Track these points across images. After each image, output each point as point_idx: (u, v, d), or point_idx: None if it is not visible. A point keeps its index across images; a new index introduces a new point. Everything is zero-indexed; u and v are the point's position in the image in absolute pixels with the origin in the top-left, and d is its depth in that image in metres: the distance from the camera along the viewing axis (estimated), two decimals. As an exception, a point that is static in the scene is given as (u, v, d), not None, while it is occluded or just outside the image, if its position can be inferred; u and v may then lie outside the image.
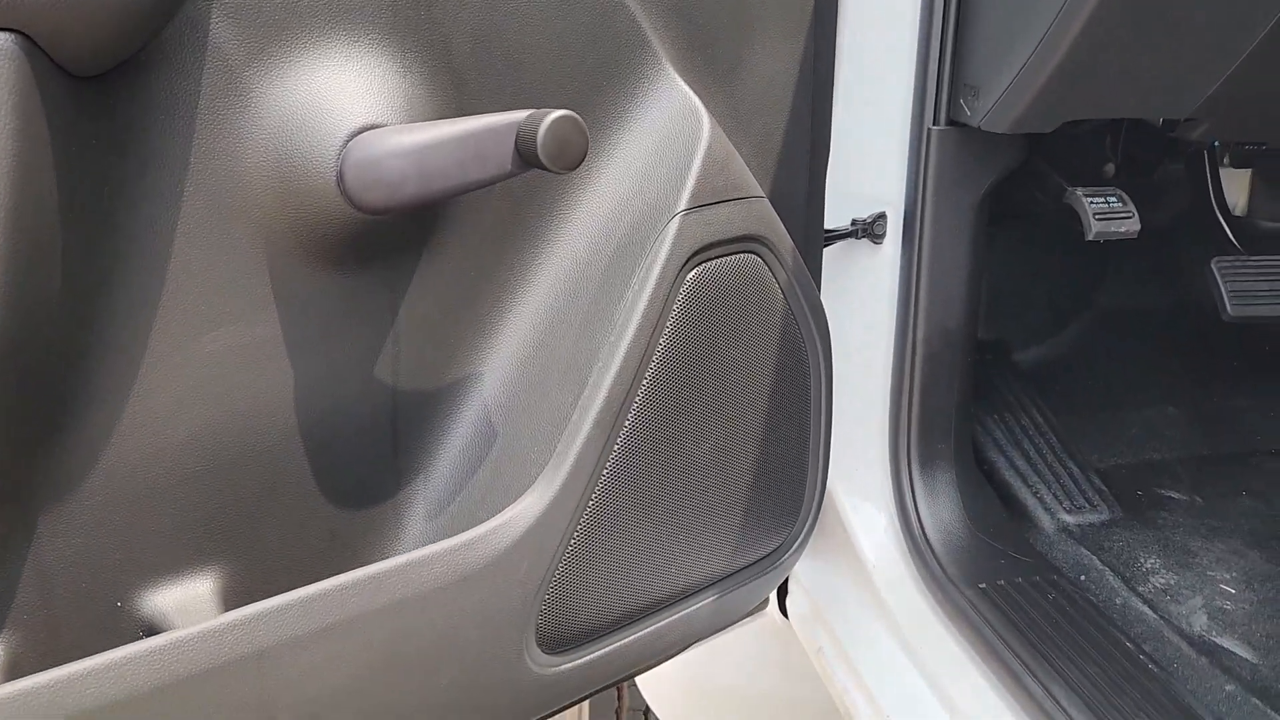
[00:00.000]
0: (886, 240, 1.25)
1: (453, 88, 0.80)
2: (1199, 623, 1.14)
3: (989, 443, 1.40)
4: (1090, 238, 1.18)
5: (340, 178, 0.75)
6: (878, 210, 1.24)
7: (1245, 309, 1.41)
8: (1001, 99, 1.08)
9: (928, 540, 1.23)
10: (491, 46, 0.81)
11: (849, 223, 1.24)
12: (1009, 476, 1.36)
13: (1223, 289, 1.41)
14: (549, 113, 0.71)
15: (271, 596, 0.69)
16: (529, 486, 0.83)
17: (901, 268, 1.24)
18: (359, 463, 0.82)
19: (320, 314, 0.77)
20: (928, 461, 1.25)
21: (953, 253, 1.22)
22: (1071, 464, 1.38)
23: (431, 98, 0.79)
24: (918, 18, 1.13)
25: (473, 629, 0.80)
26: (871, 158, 1.21)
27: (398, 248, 0.80)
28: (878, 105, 1.18)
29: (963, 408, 1.26)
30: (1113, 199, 1.17)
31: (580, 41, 0.85)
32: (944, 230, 1.20)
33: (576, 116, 0.72)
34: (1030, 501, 1.33)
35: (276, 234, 0.74)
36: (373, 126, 0.76)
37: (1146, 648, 1.09)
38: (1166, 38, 1.00)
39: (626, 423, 0.87)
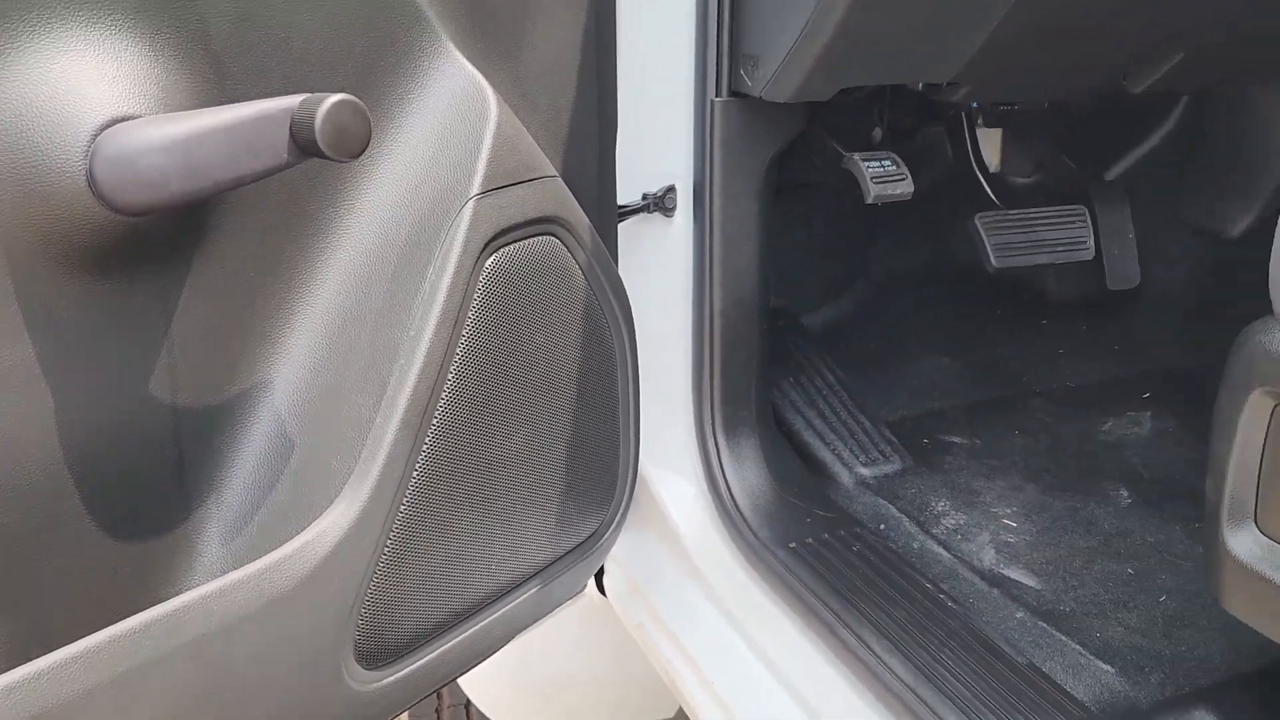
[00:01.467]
0: (678, 213, 1.25)
1: (213, 73, 0.73)
2: (988, 557, 1.22)
3: (786, 404, 1.45)
4: (870, 200, 1.22)
5: (91, 177, 0.67)
6: (667, 184, 1.25)
7: (1007, 260, 1.51)
8: (780, 69, 1.10)
9: (737, 506, 1.25)
10: (255, 26, 0.75)
11: (640, 197, 1.24)
12: (808, 436, 1.41)
13: (986, 243, 1.51)
14: (326, 97, 0.66)
15: (50, 652, 0.62)
16: (334, 498, 0.78)
17: (694, 240, 1.25)
18: (140, 490, 0.74)
19: (82, 330, 0.69)
20: (732, 429, 1.28)
21: (742, 222, 1.24)
22: (864, 419, 1.44)
23: (190, 85, 0.72)
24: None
25: (286, 656, 0.75)
26: (658, 131, 1.21)
27: (166, 251, 0.73)
28: (661, 78, 1.18)
29: (761, 373, 1.29)
30: (887, 162, 1.23)
31: (354, 19, 0.80)
32: (733, 200, 1.22)
33: (357, 100, 0.67)
34: (829, 458, 1.38)
35: (20, 244, 0.65)
36: (124, 119, 0.68)
37: (945, 586, 1.15)
38: (930, 5, 1.05)
39: (434, 421, 0.83)
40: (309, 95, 0.67)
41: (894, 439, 1.42)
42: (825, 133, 1.32)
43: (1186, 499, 1.30)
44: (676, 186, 1.25)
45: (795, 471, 1.31)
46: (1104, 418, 1.51)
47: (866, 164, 1.23)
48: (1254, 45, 1.30)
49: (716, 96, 1.18)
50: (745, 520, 1.24)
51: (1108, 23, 1.15)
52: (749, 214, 1.24)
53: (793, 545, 1.20)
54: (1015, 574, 1.18)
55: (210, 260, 0.76)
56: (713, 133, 1.20)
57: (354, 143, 0.68)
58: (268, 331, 0.81)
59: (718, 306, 1.25)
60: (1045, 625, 1.09)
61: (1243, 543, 0.82)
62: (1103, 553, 1.20)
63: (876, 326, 1.67)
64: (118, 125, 0.67)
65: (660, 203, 1.25)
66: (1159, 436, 1.47)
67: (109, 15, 0.68)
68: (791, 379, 1.48)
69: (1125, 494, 1.32)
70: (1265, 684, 1.02)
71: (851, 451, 1.39)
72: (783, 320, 1.56)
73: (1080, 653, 1.04)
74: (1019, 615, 1.11)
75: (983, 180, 1.55)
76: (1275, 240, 0.82)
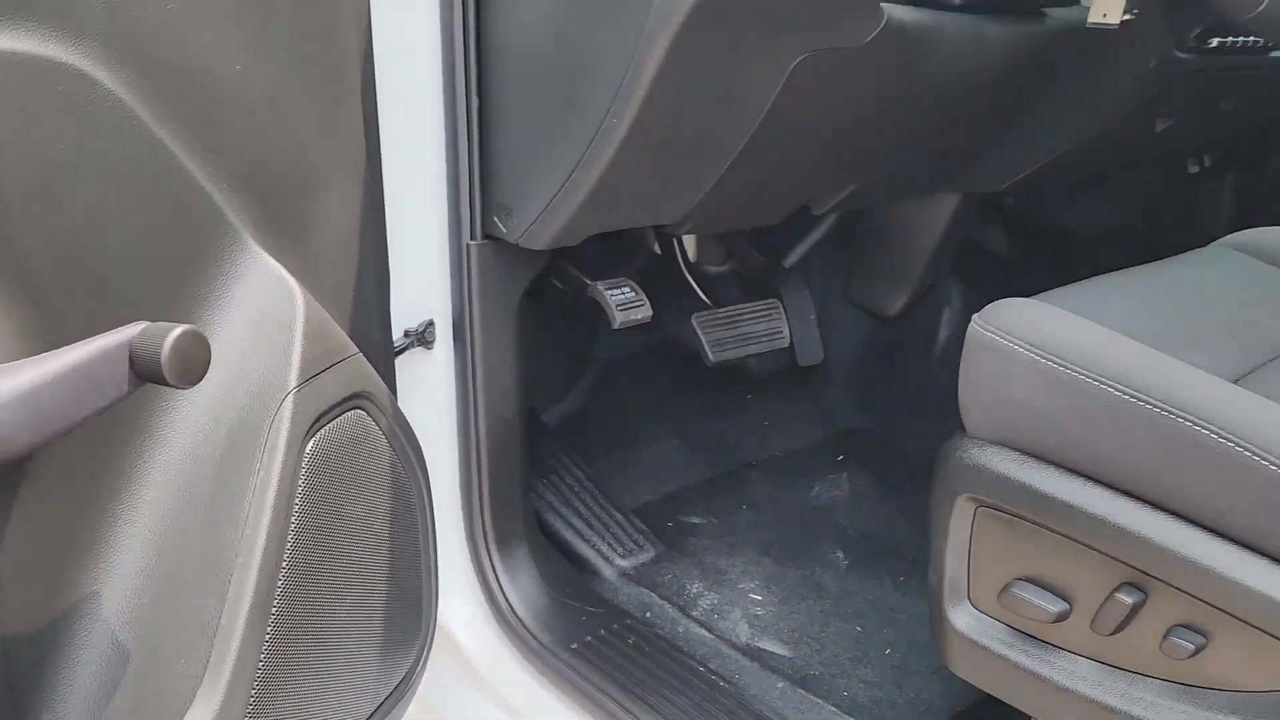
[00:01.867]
0: (438, 345, 1.33)
1: (33, 308, 0.73)
2: (743, 632, 1.38)
3: (545, 506, 1.55)
4: (616, 327, 1.36)
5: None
6: (426, 318, 1.32)
7: (722, 355, 1.70)
8: (536, 222, 1.21)
9: (517, 615, 1.34)
10: (69, 255, 0.75)
11: (402, 334, 1.30)
12: (568, 535, 1.52)
13: (703, 340, 1.69)
14: (168, 329, 0.69)
15: None
16: (188, 703, 0.79)
17: (456, 369, 1.33)
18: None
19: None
20: (504, 541, 1.36)
21: (502, 350, 1.33)
22: (615, 511, 1.57)
23: (10, 325, 0.71)
24: (443, 155, 1.22)
25: None
26: (419, 272, 1.28)
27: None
28: (419, 224, 1.26)
29: (525, 483, 1.39)
30: (627, 289, 1.37)
31: (162, 233, 0.82)
32: (491, 331, 1.31)
33: (198, 330, 0.70)
34: (590, 554, 1.50)
35: None
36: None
37: (713, 666, 1.31)
38: (670, 162, 1.20)
39: (273, 610, 0.85)
40: (145, 326, 0.70)
41: (644, 527, 1.56)
42: (568, 263, 1.44)
43: (889, 555, 1.54)
44: (435, 321, 1.32)
45: (564, 572, 1.42)
46: (811, 482, 1.74)
47: (610, 292, 1.37)
48: (910, 182, 1.58)
49: (471, 240, 1.27)
50: (527, 628, 1.33)
51: (804, 175, 1.37)
52: (507, 342, 1.34)
53: (575, 646, 1.30)
54: (768, 645, 1.36)
55: (24, 487, 0.75)
56: (469, 272, 1.29)
57: (197, 370, 0.71)
58: (92, 544, 0.80)
59: (483, 429, 1.33)
60: (802, 691, 1.26)
61: (961, 618, 1.03)
62: (835, 614, 1.41)
63: (610, 412, 1.81)
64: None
65: (421, 337, 1.32)
66: (857, 495, 1.72)
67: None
68: (545, 480, 1.59)
69: (842, 555, 1.55)
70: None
71: (609, 545, 1.52)
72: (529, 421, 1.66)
73: (835, 712, 1.23)
74: (779, 685, 1.28)
75: (693, 284, 1.74)
76: (961, 368, 1.03)
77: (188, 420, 0.85)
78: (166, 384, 0.69)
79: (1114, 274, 1.16)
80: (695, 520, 1.61)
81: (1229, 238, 1.35)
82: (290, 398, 0.87)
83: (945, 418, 1.86)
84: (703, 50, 1.00)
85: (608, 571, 1.48)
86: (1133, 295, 1.09)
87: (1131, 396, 0.88)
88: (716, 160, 1.20)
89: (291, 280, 0.91)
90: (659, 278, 1.71)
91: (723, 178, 1.25)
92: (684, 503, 1.65)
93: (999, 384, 0.97)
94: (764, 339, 1.76)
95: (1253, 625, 0.84)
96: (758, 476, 1.74)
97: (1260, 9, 1.02)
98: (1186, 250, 1.28)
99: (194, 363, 0.70)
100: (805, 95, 1.15)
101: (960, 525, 1.01)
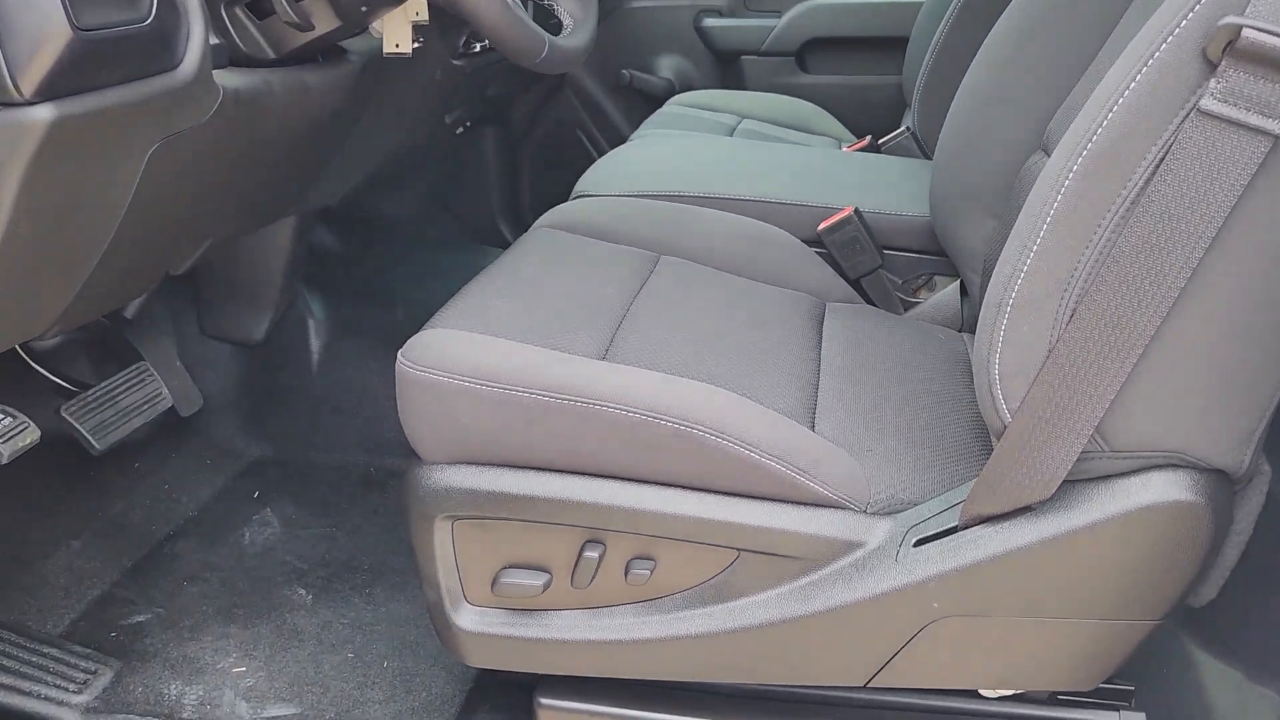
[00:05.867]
0: None
1: None
2: (243, 711, 1.36)
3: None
4: (5, 462, 1.21)
5: None
6: None
7: (108, 439, 1.58)
8: None
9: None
10: None
11: None
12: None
13: (81, 431, 1.55)
14: None
15: None
16: None
17: None
18: None
19: None
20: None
21: None
22: (41, 644, 1.41)
23: None
24: None
25: None
26: None
27: None
28: None
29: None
30: (5, 418, 1.22)
31: None
32: None
33: None
34: (39, 706, 1.34)
35: None
36: None
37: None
38: (37, 280, 1.09)
39: None
40: None
41: (86, 649, 1.43)
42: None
43: (346, 572, 1.61)
44: None
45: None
46: (239, 530, 1.72)
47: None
48: (256, 218, 1.59)
49: None
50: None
51: (165, 246, 1.32)
52: None
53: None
54: (274, 711, 1.36)
55: None
56: None
57: None
58: None
59: None
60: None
61: (465, 618, 1.16)
62: (322, 651, 1.45)
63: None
64: None
65: None
66: (289, 525, 1.74)
67: None
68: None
69: (304, 591, 1.57)
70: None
71: (56, 685, 1.36)
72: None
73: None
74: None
75: (49, 375, 1.57)
76: (400, 405, 1.13)
77: None
78: None
79: (482, 279, 1.34)
80: (139, 618, 1.51)
81: (544, 219, 1.61)
82: None
83: (342, 423, 1.95)
84: (59, 169, 0.94)
85: (69, 716, 1.34)
86: (510, 298, 1.28)
87: (548, 397, 1.06)
88: (86, 263, 1.12)
89: None
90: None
91: (90, 275, 1.17)
92: (118, 604, 1.53)
93: (441, 414, 1.09)
94: (145, 407, 1.67)
95: (681, 539, 1.09)
96: (184, 545, 1.67)
97: (542, 56, 1.24)
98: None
99: None
100: (161, 176, 1.12)
101: (444, 543, 1.13)
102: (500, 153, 2.81)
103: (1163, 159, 0.86)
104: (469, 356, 1.09)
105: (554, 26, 1.46)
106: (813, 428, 1.17)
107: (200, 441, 1.88)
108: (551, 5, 1.46)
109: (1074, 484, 1.00)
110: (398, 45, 1.44)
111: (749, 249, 1.58)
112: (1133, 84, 0.86)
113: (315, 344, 2.03)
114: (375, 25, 1.42)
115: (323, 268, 2.11)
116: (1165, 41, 0.85)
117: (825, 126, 2.57)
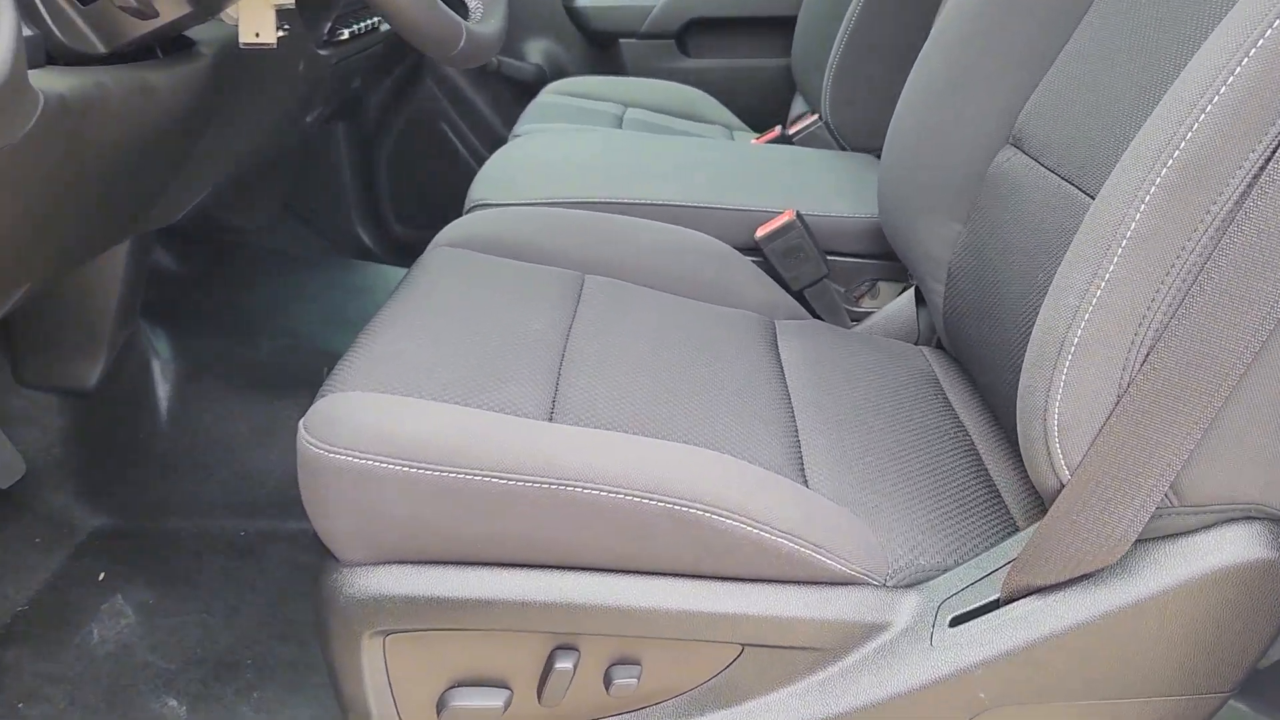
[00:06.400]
0: None
1: None
2: None
3: None
4: None
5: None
6: None
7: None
8: None
9: None
10: None
11: None
12: None
13: None
14: None
15: None
16: None
17: None
18: None
19: None
20: None
21: None
22: None
23: None
24: None
25: None
26: None
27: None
28: None
29: None
30: None
31: None
32: None
33: None
34: None
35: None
36: None
37: None
38: None
39: None
40: None
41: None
42: None
43: (226, 672, 1.34)
44: None
45: None
46: (85, 625, 1.42)
47: None
48: (87, 248, 1.30)
49: None
50: None
51: None
52: None
53: None
54: None
55: None
56: None
57: None
58: None
59: None
60: None
61: None
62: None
63: None
64: None
65: None
66: (144, 613, 1.45)
67: None
68: None
69: (175, 702, 1.30)
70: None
71: None
72: None
73: None
74: None
75: None
76: (305, 495, 0.89)
77: None
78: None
79: (385, 317, 1.10)
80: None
81: (443, 235, 1.38)
82: None
83: (201, 482, 1.66)
84: None
85: None
86: (425, 342, 1.05)
87: (498, 479, 0.85)
88: None
89: None
90: None
91: None
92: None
93: (362, 504, 0.86)
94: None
95: (672, 638, 0.89)
96: (15, 653, 1.36)
97: (459, 47, 1.01)
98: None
99: None
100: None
101: (374, 663, 0.90)
102: (354, 151, 2.53)
103: (1263, 167, 0.72)
104: (390, 429, 0.86)
105: (460, 12, 1.23)
106: (805, 483, 0.99)
107: (27, 516, 1.56)
108: (455, -16, 1.22)
109: (1137, 544, 0.85)
110: (258, 34, 1.18)
111: (682, 261, 1.39)
112: (1231, 77, 0.71)
113: (162, 388, 1.72)
114: (230, 10, 1.15)
115: (165, 296, 1.80)
116: (1271, 28, 0.70)
117: (714, 114, 2.40)
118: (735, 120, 2.42)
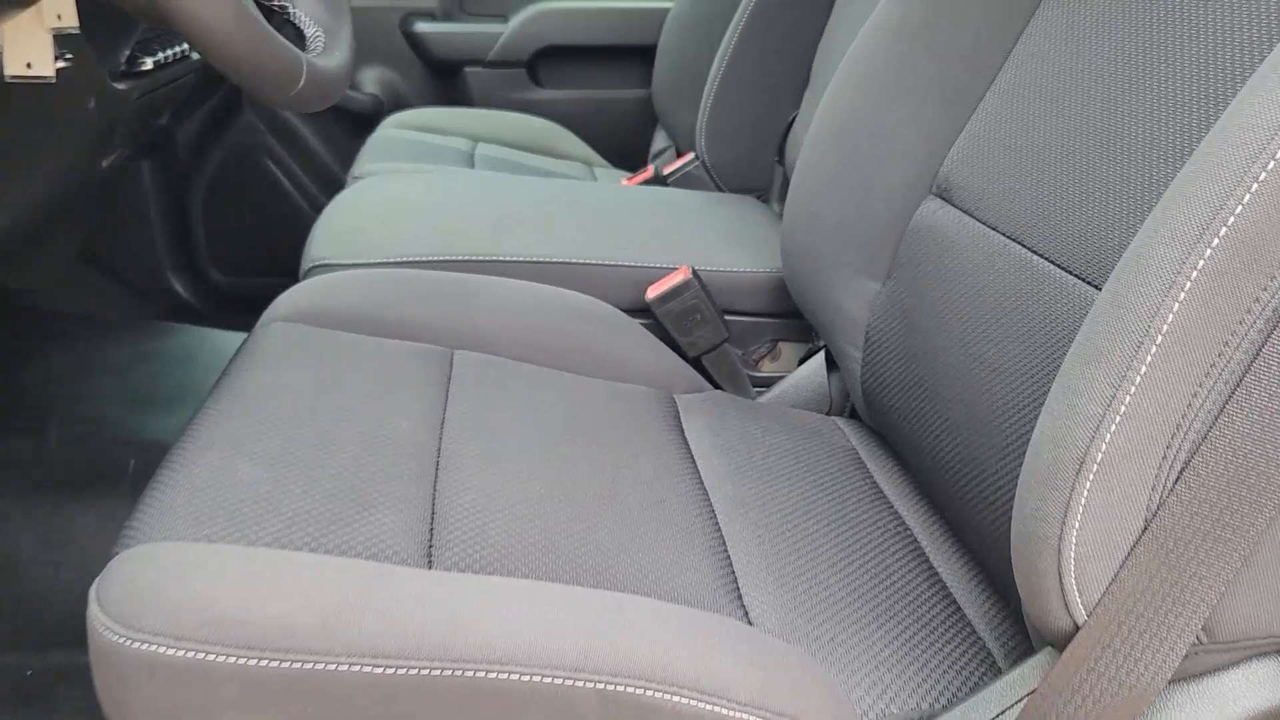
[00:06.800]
0: None
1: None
2: None
3: None
4: None
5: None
6: None
7: None
8: None
9: None
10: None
11: None
12: None
13: None
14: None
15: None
16: None
17: None
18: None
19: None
20: None
21: None
22: None
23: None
24: None
25: None
26: None
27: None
28: None
29: None
30: None
31: None
32: None
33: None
34: None
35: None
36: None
37: None
38: None
39: None
40: None
41: None
42: None
43: None
44: None
45: None
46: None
47: None
48: None
49: None
50: None
51: None
52: None
53: None
54: None
55: None
56: None
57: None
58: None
59: None
60: None
61: None
62: None
63: None
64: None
65: None
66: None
67: None
68: None
69: None
70: None
71: None
72: None
73: None
74: None
75: None
76: (103, 696, 0.66)
77: None
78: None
79: (216, 418, 0.87)
80: None
81: (278, 307, 1.14)
82: None
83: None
84: None
85: None
86: (261, 458, 0.82)
87: (374, 668, 0.64)
88: None
89: None
90: None
91: None
92: None
93: (184, 712, 0.63)
94: None
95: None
96: None
97: (297, 89, 0.80)
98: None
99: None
100: None
101: None
102: (162, 193, 2.22)
103: (1324, 245, 0.59)
104: (221, 603, 0.64)
105: (297, 44, 1.00)
106: (746, 615, 0.82)
107: None
108: (287, 10, 0.98)
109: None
110: (29, 65, 0.93)
111: (563, 329, 1.20)
112: (1291, 138, 0.58)
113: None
114: (-11, 35, 0.90)
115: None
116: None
117: (573, 149, 2.22)
118: (595, 155, 2.25)
